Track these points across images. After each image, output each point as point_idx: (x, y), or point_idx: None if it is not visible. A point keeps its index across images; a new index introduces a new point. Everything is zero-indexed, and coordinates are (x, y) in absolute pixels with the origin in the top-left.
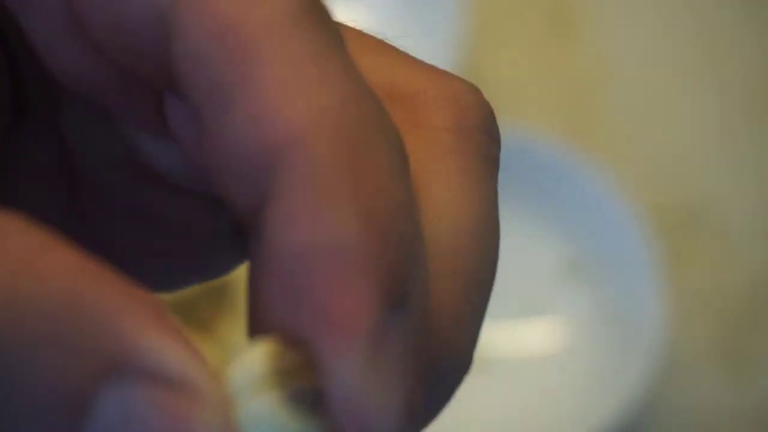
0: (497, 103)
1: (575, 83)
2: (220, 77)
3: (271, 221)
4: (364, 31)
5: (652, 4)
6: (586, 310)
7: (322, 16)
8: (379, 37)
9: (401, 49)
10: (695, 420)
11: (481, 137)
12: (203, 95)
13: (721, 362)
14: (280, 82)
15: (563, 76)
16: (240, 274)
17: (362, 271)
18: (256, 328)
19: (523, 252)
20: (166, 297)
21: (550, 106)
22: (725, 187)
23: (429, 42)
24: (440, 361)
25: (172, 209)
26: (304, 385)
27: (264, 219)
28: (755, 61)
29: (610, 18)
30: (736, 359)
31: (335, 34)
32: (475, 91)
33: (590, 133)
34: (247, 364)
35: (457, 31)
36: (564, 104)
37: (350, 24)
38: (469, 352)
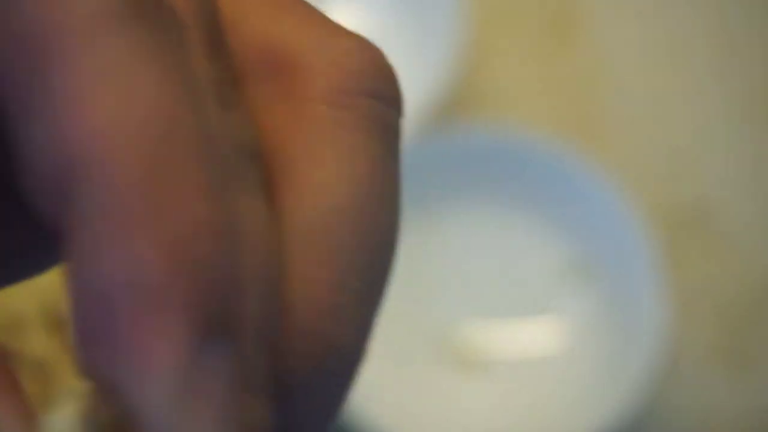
0: (497, 103)
1: (576, 83)
2: (21, 85)
3: (70, 252)
4: None
5: (654, 5)
6: (586, 310)
7: (150, 11)
8: None
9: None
10: (696, 420)
11: (367, 103)
12: (6, 102)
13: (722, 362)
14: (84, 93)
15: (564, 76)
16: None
17: (165, 306)
18: (80, 369)
19: (523, 252)
20: None
21: (550, 106)
22: (726, 187)
23: (428, 43)
24: (318, 358)
25: None
26: None
27: (66, 248)
28: (757, 61)
29: (611, 18)
30: (737, 359)
31: (166, 31)
32: (366, 50)
33: (591, 134)
34: (59, 425)
35: (457, 31)
36: (564, 104)
37: None
38: (354, 343)
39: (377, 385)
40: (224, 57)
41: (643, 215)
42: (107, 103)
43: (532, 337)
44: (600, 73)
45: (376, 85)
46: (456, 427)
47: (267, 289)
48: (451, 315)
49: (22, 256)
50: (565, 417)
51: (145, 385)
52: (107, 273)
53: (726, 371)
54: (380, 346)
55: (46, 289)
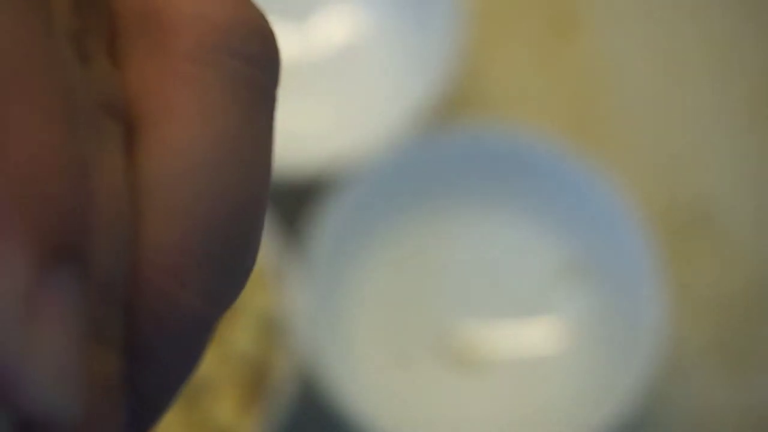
0: (497, 103)
1: (576, 83)
2: None
3: None
4: None
5: (654, 5)
6: (586, 310)
7: None
8: None
9: None
10: (696, 420)
11: (231, 62)
12: None
13: (722, 362)
14: None
15: (564, 76)
16: None
17: (8, 227)
18: None
19: (523, 252)
20: None
21: (550, 106)
22: (726, 187)
23: (428, 43)
24: (160, 320)
25: None
26: None
27: None
28: (757, 62)
29: (612, 18)
30: (736, 359)
31: None
32: (240, 8)
33: (591, 134)
34: None
35: (456, 31)
36: (564, 104)
37: None
38: (199, 308)
39: (377, 385)
40: (93, 9)
41: (643, 215)
42: None
43: (531, 337)
44: (601, 73)
45: (244, 45)
46: (455, 427)
47: (116, 244)
48: (451, 315)
49: None
50: (565, 417)
51: None
52: None
53: (725, 370)
54: (380, 345)
55: None
